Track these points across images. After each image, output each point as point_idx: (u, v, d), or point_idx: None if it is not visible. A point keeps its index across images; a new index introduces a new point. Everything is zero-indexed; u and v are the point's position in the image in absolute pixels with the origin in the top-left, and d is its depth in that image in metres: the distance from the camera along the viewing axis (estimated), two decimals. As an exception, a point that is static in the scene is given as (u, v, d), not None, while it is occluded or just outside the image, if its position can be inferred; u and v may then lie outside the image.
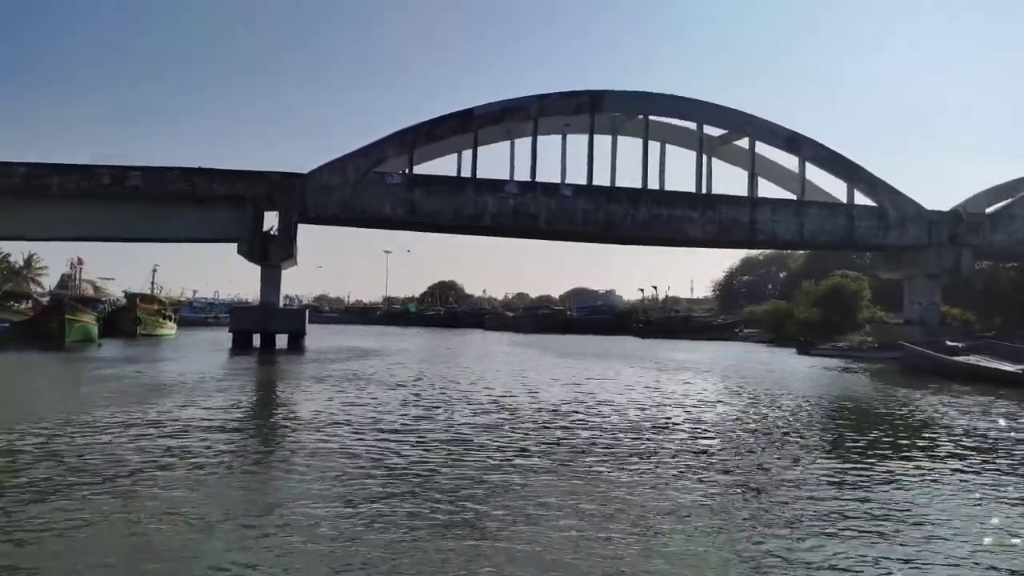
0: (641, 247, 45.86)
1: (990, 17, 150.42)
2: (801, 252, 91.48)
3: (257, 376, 21.90)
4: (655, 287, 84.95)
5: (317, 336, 53.08)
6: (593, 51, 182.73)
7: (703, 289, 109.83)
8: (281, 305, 40.63)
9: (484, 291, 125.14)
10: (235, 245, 35.65)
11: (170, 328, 47.91)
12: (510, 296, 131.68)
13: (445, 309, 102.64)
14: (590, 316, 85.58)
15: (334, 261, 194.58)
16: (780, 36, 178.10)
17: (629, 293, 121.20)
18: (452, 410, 15.18)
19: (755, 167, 40.72)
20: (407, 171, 37.19)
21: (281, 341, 36.30)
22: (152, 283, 48.80)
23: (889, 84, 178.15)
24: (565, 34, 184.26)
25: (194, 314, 68.79)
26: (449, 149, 41.03)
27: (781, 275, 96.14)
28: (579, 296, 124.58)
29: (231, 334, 36.27)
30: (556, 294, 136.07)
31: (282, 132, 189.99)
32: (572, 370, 27.12)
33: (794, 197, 41.46)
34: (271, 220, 36.50)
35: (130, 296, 45.83)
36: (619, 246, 45.90)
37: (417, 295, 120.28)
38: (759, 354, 43.78)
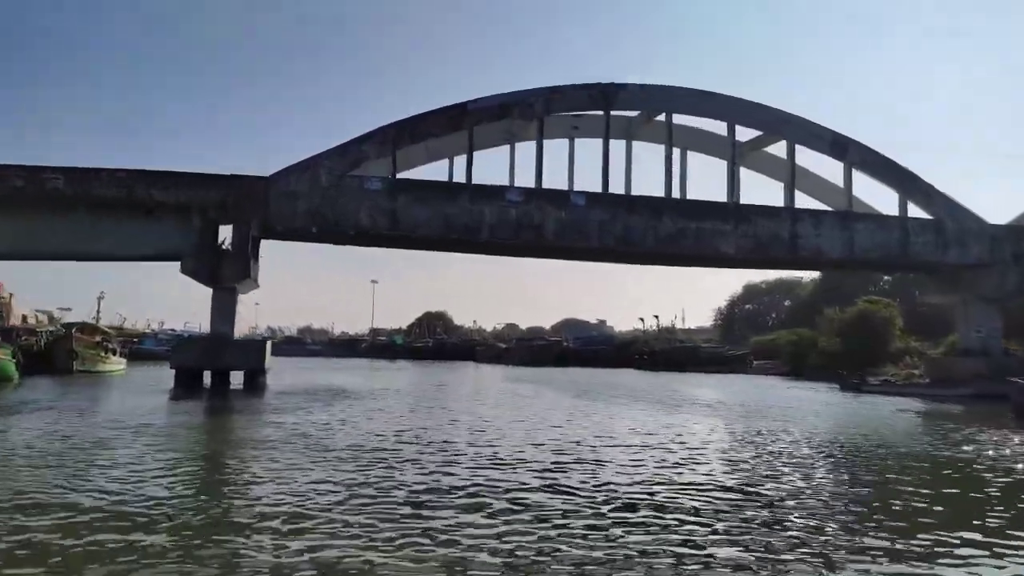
0: (655, 268, 39.53)
1: (990, 17, 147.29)
2: (810, 278, 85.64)
3: (161, 436, 14.94)
4: (656, 316, 78.33)
5: (291, 372, 46.02)
6: (592, 51, 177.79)
7: (696, 319, 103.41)
8: (261, 336, 33.65)
9: (474, 322, 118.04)
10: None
11: (115, 363, 40.63)
12: (499, 327, 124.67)
13: (434, 341, 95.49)
14: (587, 348, 78.83)
15: (319, 291, 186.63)
16: (780, 37, 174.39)
17: (620, 323, 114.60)
18: (460, 525, 8.30)
19: (794, 175, 34.33)
20: (390, 175, 30.51)
21: (238, 379, 29.34)
22: (97, 312, 41.78)
23: (890, 85, 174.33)
24: (562, 34, 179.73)
25: (159, 347, 61.32)
26: (439, 153, 34.53)
27: (786, 303, 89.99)
28: (571, 327, 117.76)
29: (174, 371, 29.14)
30: (545, 325, 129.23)
31: (267, 139, 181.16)
32: (607, 418, 20.29)
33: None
34: (229, 234, 29.75)
35: (66, 326, 38.71)
36: (619, 268, 39.43)
37: (404, 326, 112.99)
38: (791, 391, 37.06)
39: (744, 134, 35.14)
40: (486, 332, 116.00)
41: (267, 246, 31.20)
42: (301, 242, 33.48)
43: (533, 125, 33.48)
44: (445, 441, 14.72)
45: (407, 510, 8.56)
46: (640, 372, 61.25)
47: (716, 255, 33.29)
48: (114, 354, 40.29)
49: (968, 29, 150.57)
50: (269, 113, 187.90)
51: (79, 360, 36.54)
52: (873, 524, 8.47)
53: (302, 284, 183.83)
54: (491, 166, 39.28)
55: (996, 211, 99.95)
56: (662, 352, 66.09)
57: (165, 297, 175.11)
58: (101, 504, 8.47)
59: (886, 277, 75.08)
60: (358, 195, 29.86)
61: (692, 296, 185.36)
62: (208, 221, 28.56)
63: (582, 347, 78.08)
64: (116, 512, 8.12)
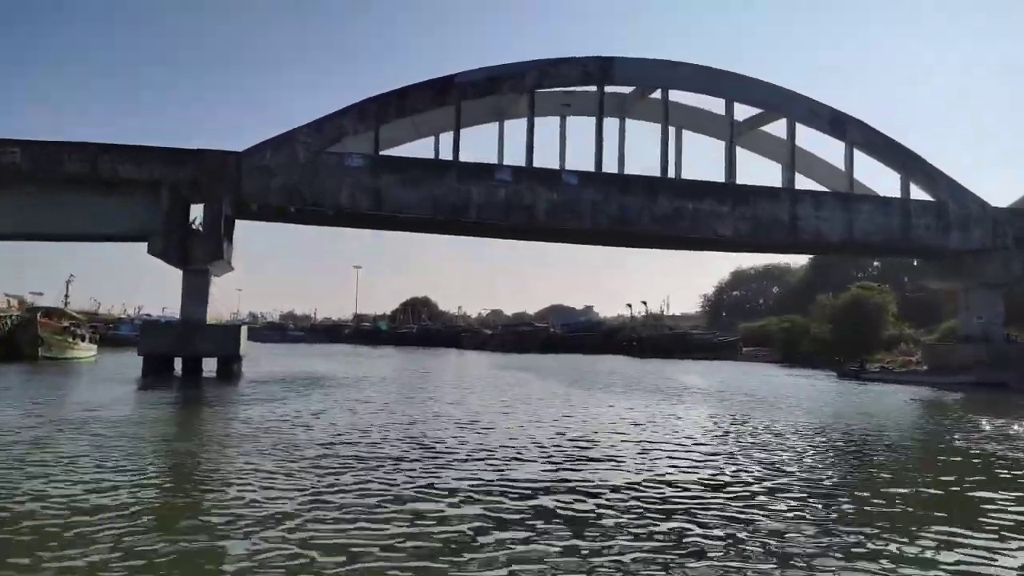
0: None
1: (990, 16, 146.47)
2: (799, 265, 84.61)
3: (110, 431, 13.24)
4: (644, 302, 76.96)
5: (269, 358, 44.23)
6: (578, 33, 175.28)
7: (683, 306, 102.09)
8: (238, 321, 31.98)
9: (459, 308, 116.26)
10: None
11: (85, 349, 38.63)
12: (485, 313, 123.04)
13: (418, 327, 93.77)
14: (574, 334, 77.40)
15: (303, 277, 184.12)
16: (775, 23, 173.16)
17: (606, 310, 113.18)
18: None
19: (794, 154, 32.86)
20: (373, 153, 28.70)
21: (212, 366, 27.60)
22: (66, 296, 39.68)
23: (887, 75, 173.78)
24: (551, 17, 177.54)
25: (134, 333, 59.17)
26: (424, 130, 32.81)
27: (774, 290, 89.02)
28: (557, 313, 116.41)
29: (142, 359, 27.32)
30: (531, 311, 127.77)
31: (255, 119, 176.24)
32: (607, 409, 18.77)
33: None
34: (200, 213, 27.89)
35: (31, 311, 36.67)
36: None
37: (389, 312, 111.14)
38: (788, 379, 35.78)
39: (742, 113, 33.66)
40: (471, 318, 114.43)
41: (246, 228, 29.41)
42: (278, 222, 31.63)
43: (523, 101, 31.80)
44: (430, 437, 13.13)
45: (389, 523, 6.96)
46: (629, 359, 59.92)
47: (714, 237, 31.76)
48: (83, 340, 38.29)
49: (967, 20, 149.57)
50: (246, 92, 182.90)
51: (45, 346, 34.56)
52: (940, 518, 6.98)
53: (285, 270, 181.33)
54: (479, 144, 37.72)
55: (995, 200, 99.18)
56: (651, 339, 64.77)
57: (144, 281, 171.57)
58: (19, 515, 6.81)
59: (875, 263, 74.20)
60: (338, 172, 28.06)
61: (679, 282, 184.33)
62: (178, 199, 26.66)
63: (569, 333, 76.66)
64: (35, 525, 6.47)
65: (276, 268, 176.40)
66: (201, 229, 26.98)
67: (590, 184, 30.22)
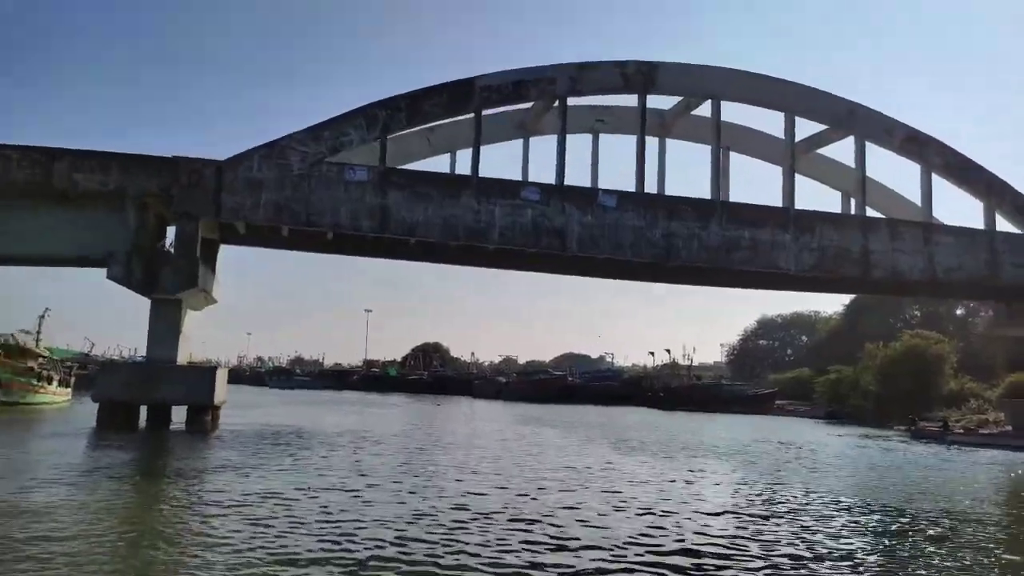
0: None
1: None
2: (828, 314, 79.10)
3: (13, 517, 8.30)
4: (668, 350, 71.65)
5: (265, 407, 39.18)
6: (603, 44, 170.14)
7: (702, 354, 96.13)
8: (210, 363, 27.29)
9: (472, 354, 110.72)
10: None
11: (53, 394, 33.70)
12: (498, 360, 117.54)
13: (429, 373, 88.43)
14: (593, 383, 71.92)
15: (313, 321, 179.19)
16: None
17: (621, 358, 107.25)
18: None
19: (864, 177, 28.05)
20: (379, 165, 24.09)
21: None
22: (37, 332, 34.98)
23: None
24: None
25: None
26: (439, 145, 28.42)
27: (803, 339, 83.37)
28: (572, 361, 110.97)
29: (97, 404, 22.38)
30: (543, 358, 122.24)
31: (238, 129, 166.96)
32: (680, 487, 13.61)
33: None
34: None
35: (-10, 349, 31.88)
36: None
37: (399, 357, 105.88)
38: (849, 440, 30.35)
39: (801, 130, 28.91)
40: (484, 365, 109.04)
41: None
42: (269, 247, 26.97)
43: (549, 116, 27.46)
44: (446, 551, 8.06)
45: None
46: (653, 411, 54.47)
47: (774, 273, 26.82)
48: (52, 383, 33.40)
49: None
50: (243, 100, 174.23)
51: (2, 390, 29.66)
52: None
53: (295, 314, 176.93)
54: (500, 164, 32.49)
55: None
56: (680, 390, 59.20)
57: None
58: None
59: (916, 311, 68.78)
60: (338, 187, 23.43)
61: (696, 330, 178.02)
62: (144, 214, 22.05)
63: (588, 382, 71.17)
64: None
65: (284, 310, 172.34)
66: (170, 249, 22.29)
67: (631, 206, 25.45)
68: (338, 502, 10.68)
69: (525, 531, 9.05)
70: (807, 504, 12.15)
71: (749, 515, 10.84)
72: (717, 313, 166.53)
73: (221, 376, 24.20)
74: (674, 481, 14.53)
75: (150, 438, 20.41)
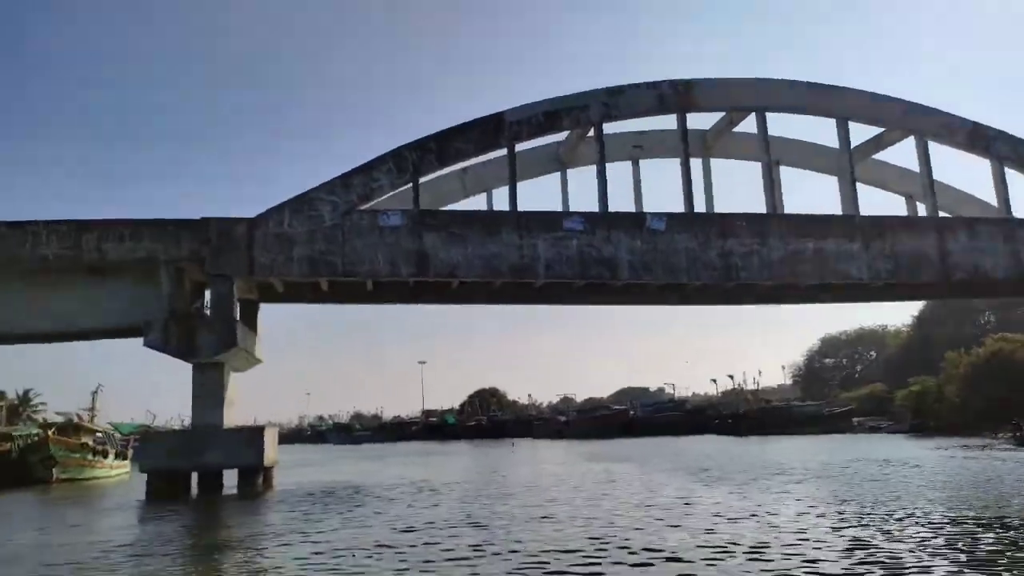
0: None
1: None
2: (900, 326, 74.83)
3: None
4: (731, 376, 68.68)
5: (324, 464, 38.03)
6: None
7: (764, 378, 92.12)
8: (256, 424, 26.31)
9: (529, 396, 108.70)
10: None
11: (112, 468, 33.15)
12: (556, 400, 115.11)
13: (488, 418, 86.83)
14: (656, 415, 69.30)
15: (368, 377, 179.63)
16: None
17: (679, 389, 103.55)
18: None
19: (931, 177, 25.84)
20: (413, 208, 22.98)
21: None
22: (92, 408, 34.70)
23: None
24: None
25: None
26: (473, 186, 27.37)
27: (871, 355, 79.30)
28: (631, 395, 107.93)
29: (146, 476, 21.44)
30: (600, 396, 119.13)
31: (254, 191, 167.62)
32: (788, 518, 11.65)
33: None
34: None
35: (43, 427, 31.58)
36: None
37: (456, 405, 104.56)
38: (953, 458, 27.49)
39: (855, 137, 26.88)
40: (542, 406, 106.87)
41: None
42: (309, 303, 26.01)
43: (585, 148, 26.18)
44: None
45: None
46: (722, 438, 51.69)
47: (844, 282, 24.69)
48: (107, 457, 32.87)
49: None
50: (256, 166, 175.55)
51: (60, 467, 29.17)
52: None
53: (349, 368, 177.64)
54: (538, 200, 30.74)
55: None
56: (749, 414, 56.27)
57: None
58: None
59: (990, 317, 64.61)
60: (373, 235, 22.36)
61: (754, 355, 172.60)
62: (179, 279, 21.30)
63: (651, 415, 68.54)
64: None
65: (341, 366, 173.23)
66: (207, 311, 21.43)
67: (682, 228, 23.76)
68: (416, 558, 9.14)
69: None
70: (949, 528, 10.13)
71: (880, 546, 8.91)
72: (774, 338, 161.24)
73: (270, 436, 23.04)
74: (776, 514, 12.57)
75: (201, 505, 19.35)
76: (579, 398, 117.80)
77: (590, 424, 66.24)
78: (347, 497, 18.72)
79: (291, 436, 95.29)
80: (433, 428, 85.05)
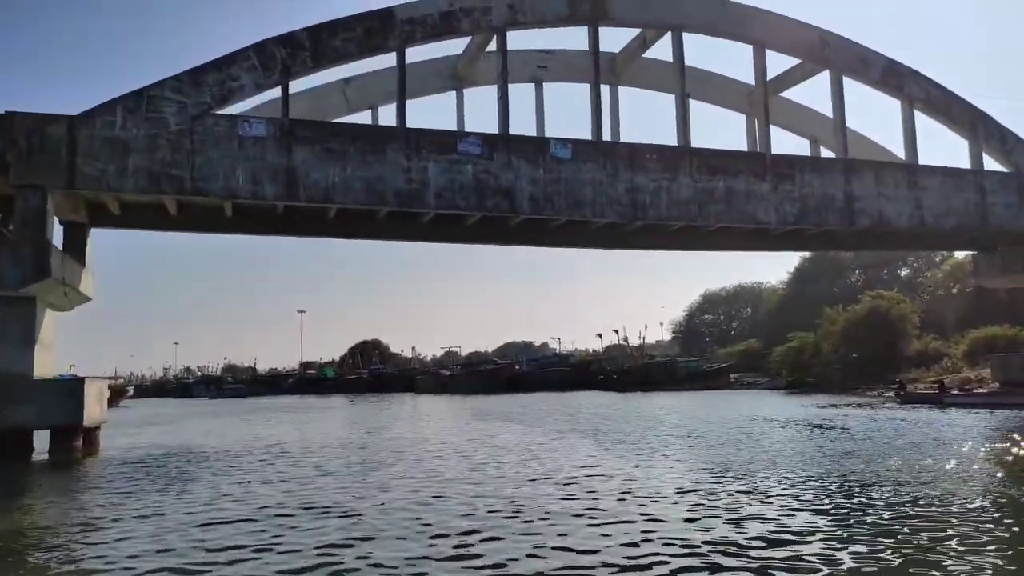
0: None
1: None
2: (772, 285, 76.67)
3: None
4: (616, 330, 68.21)
5: (179, 421, 33.60)
6: None
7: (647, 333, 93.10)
8: (71, 375, 22.13)
9: (413, 349, 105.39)
10: None
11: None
12: (440, 354, 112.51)
13: (369, 372, 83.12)
14: (542, 369, 68.06)
15: (240, 325, 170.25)
16: None
17: (564, 343, 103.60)
18: None
19: (844, 113, 24.51)
20: (282, 116, 19.13)
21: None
22: None
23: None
24: None
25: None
26: (358, 100, 23.75)
27: (746, 311, 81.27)
28: (515, 349, 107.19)
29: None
30: (485, 349, 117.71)
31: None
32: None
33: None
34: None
35: None
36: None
37: (338, 358, 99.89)
38: (831, 411, 27.03)
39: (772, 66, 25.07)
40: (426, 360, 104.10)
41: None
42: (153, 230, 21.72)
43: (485, 62, 23.21)
44: None
45: None
46: (607, 394, 50.79)
47: (753, 227, 23.04)
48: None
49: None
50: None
51: None
52: None
53: (225, 320, 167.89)
54: (429, 122, 25.89)
55: None
56: (633, 370, 55.73)
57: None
58: None
59: (859, 276, 67.04)
60: (230, 146, 18.39)
61: (636, 310, 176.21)
62: (-27, 187, 16.67)
63: (536, 370, 67.23)
64: None
65: (214, 314, 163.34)
66: (9, 234, 16.95)
67: (588, 156, 21.20)
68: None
69: None
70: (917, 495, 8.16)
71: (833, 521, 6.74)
72: (659, 292, 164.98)
73: (95, 390, 18.86)
74: (713, 492, 10.34)
75: (4, 472, 15.24)
76: (464, 351, 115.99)
77: (475, 379, 64.10)
78: (181, 466, 15.12)
79: (154, 389, 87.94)
80: (311, 382, 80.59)
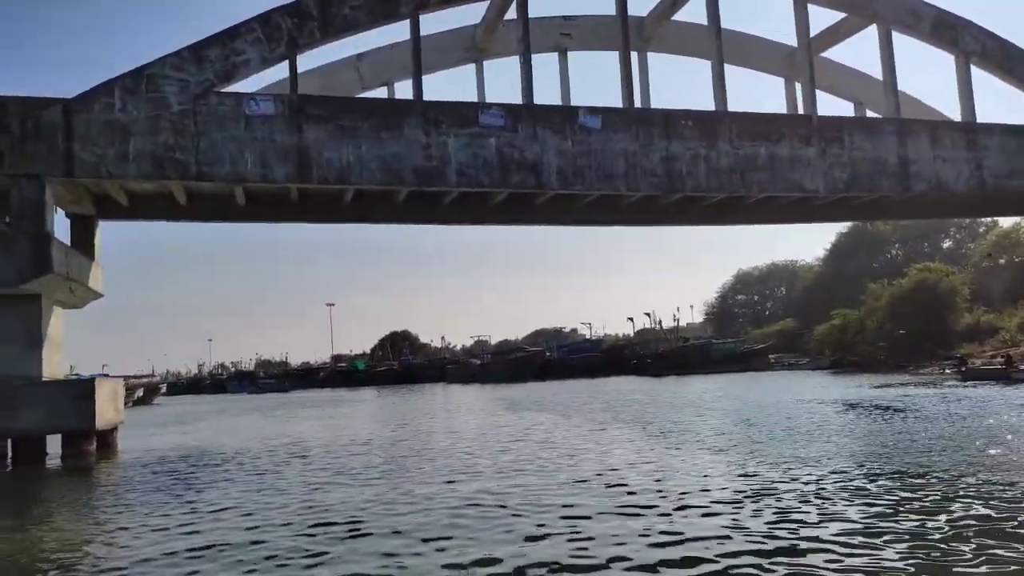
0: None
1: None
2: (807, 263, 73.99)
3: None
4: (648, 314, 66.40)
5: (207, 419, 32.71)
6: None
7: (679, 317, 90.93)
8: (77, 375, 21.13)
9: (443, 338, 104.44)
10: None
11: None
12: (469, 343, 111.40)
13: (399, 363, 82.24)
14: (573, 356, 66.51)
15: (273, 321, 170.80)
16: None
17: (595, 329, 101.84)
18: None
19: (894, 72, 22.50)
20: (291, 92, 17.78)
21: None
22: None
23: None
24: None
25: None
26: (372, 77, 22.22)
27: (781, 291, 78.82)
28: (546, 336, 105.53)
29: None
30: (516, 337, 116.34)
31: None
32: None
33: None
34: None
35: None
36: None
37: (368, 350, 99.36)
38: (901, 391, 25.11)
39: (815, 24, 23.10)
40: (456, 349, 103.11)
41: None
42: (164, 220, 20.52)
43: (504, 30, 21.64)
44: None
45: None
46: (641, 379, 49.09)
47: (800, 195, 21.23)
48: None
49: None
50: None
51: None
52: None
53: (258, 317, 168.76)
54: (448, 96, 23.56)
55: None
56: (667, 353, 53.91)
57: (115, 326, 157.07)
58: None
59: (898, 251, 64.26)
60: (237, 126, 17.09)
61: (667, 293, 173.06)
62: (-34, 179, 15.55)
63: (568, 356, 65.67)
64: None
65: (247, 312, 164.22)
66: (6, 228, 15.82)
67: (620, 126, 19.53)
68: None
69: None
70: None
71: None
72: (690, 275, 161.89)
73: (106, 391, 17.76)
74: (785, 489, 8.77)
75: (12, 480, 14.25)
76: (494, 340, 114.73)
77: (505, 367, 62.76)
78: (199, 469, 13.91)
79: (189, 386, 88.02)
80: (342, 374, 79.92)
